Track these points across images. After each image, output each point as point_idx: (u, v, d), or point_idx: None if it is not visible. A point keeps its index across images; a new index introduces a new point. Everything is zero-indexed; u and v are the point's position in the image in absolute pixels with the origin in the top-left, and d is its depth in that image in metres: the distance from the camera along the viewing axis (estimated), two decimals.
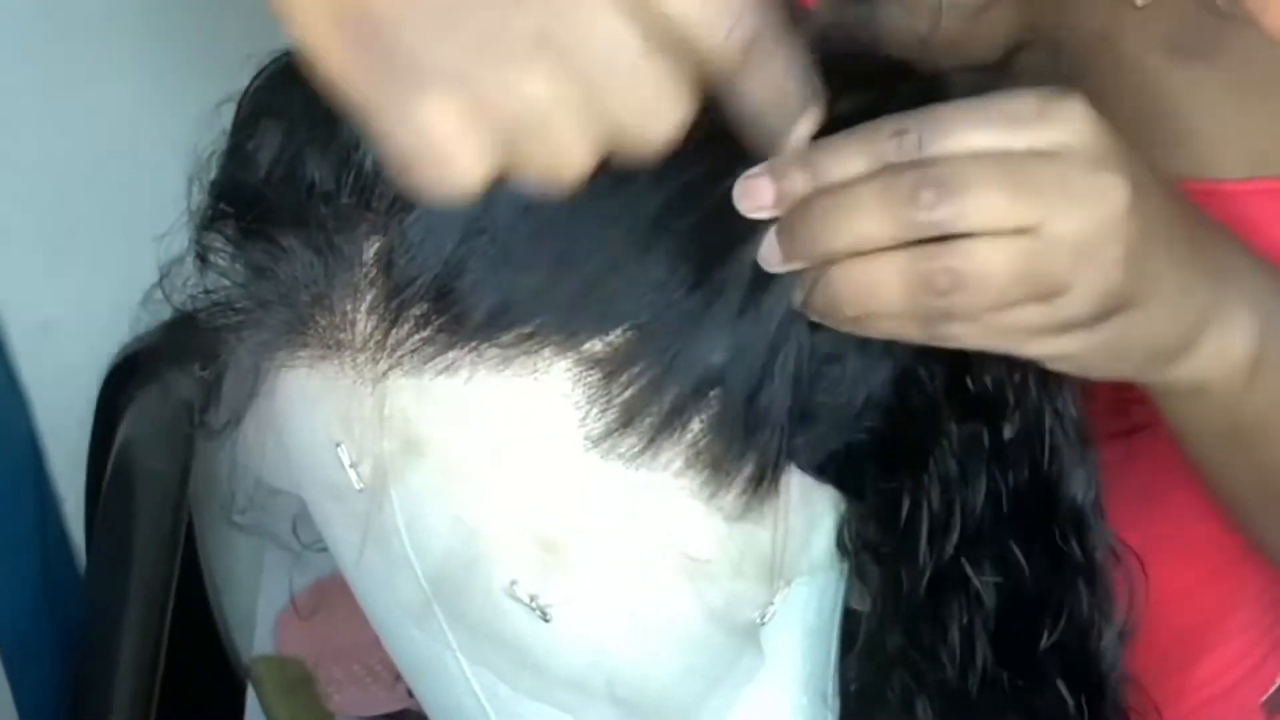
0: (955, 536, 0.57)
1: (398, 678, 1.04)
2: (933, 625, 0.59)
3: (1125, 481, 0.71)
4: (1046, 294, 0.50)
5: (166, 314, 0.61)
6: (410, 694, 0.91)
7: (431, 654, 0.58)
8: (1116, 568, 0.63)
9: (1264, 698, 0.79)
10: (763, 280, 0.52)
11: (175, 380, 0.61)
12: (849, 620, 0.61)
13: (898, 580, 0.58)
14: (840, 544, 0.58)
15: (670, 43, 0.43)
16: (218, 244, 0.58)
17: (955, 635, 0.59)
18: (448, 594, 0.56)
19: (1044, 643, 0.60)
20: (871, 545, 0.58)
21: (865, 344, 0.54)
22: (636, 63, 0.43)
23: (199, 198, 0.59)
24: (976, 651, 0.60)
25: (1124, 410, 0.70)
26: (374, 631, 1.23)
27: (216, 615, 1.41)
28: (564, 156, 0.45)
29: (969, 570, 0.58)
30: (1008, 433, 0.57)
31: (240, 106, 0.59)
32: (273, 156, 0.56)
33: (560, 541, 0.54)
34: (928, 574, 0.58)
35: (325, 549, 0.64)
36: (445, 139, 0.43)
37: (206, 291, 0.58)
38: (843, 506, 0.58)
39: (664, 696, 0.57)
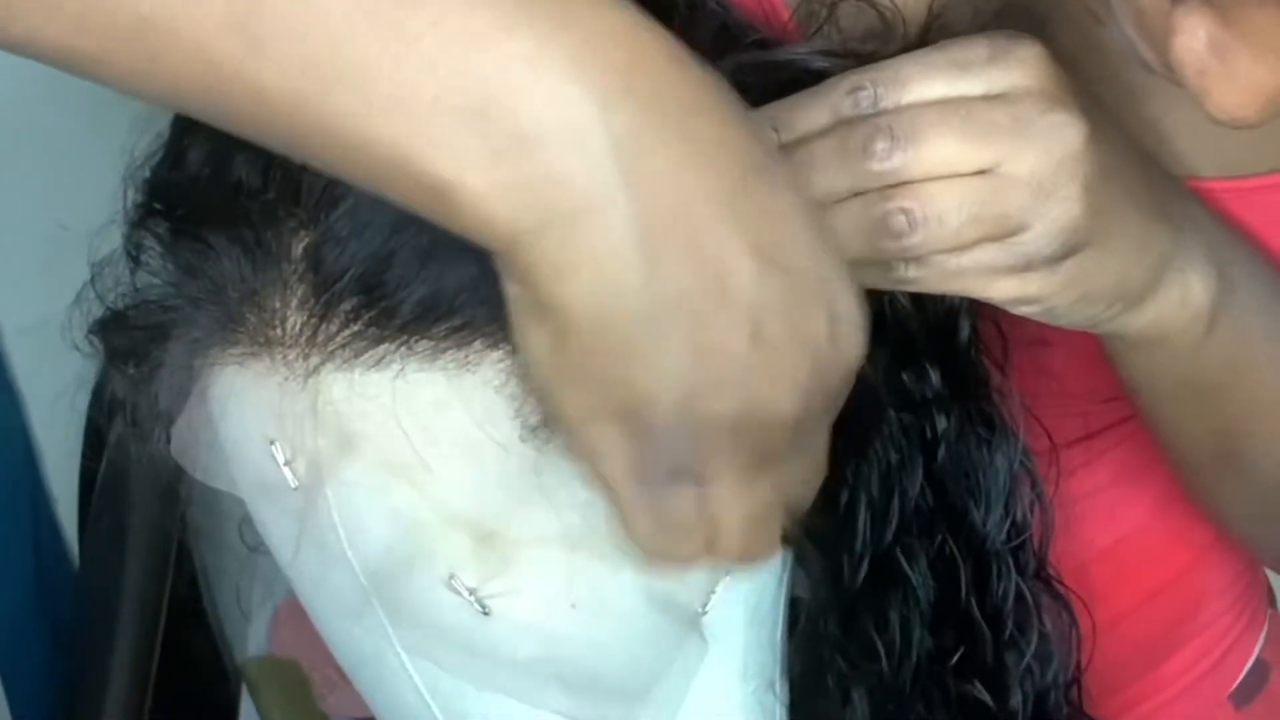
0: (894, 525, 0.58)
1: None
2: (871, 616, 0.60)
3: (1090, 484, 0.71)
4: (1004, 233, 0.50)
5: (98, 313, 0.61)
6: None
7: (373, 650, 0.58)
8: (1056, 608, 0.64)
9: (1231, 689, 0.79)
10: None
11: (110, 380, 0.61)
12: (795, 608, 0.60)
13: (838, 568, 0.59)
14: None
15: None
16: (148, 242, 0.58)
17: (894, 626, 0.60)
18: (386, 589, 0.55)
19: (953, 659, 0.60)
20: (812, 532, 0.58)
21: None
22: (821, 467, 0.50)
23: (132, 196, 0.59)
24: (912, 646, 0.60)
25: (1083, 413, 0.70)
26: None
27: (210, 616, 1.41)
28: (761, 546, 0.49)
29: (904, 563, 0.59)
30: (942, 425, 0.57)
31: None
32: (203, 155, 0.56)
33: (498, 533, 0.54)
34: (866, 562, 0.58)
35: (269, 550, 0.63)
36: (680, 526, 0.46)
37: (137, 290, 0.59)
38: None
39: (611, 684, 0.56)
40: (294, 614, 1.28)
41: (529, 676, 0.56)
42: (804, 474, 0.48)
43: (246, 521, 0.64)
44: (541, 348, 0.44)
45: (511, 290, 0.44)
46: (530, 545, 0.54)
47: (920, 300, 0.58)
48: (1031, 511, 0.62)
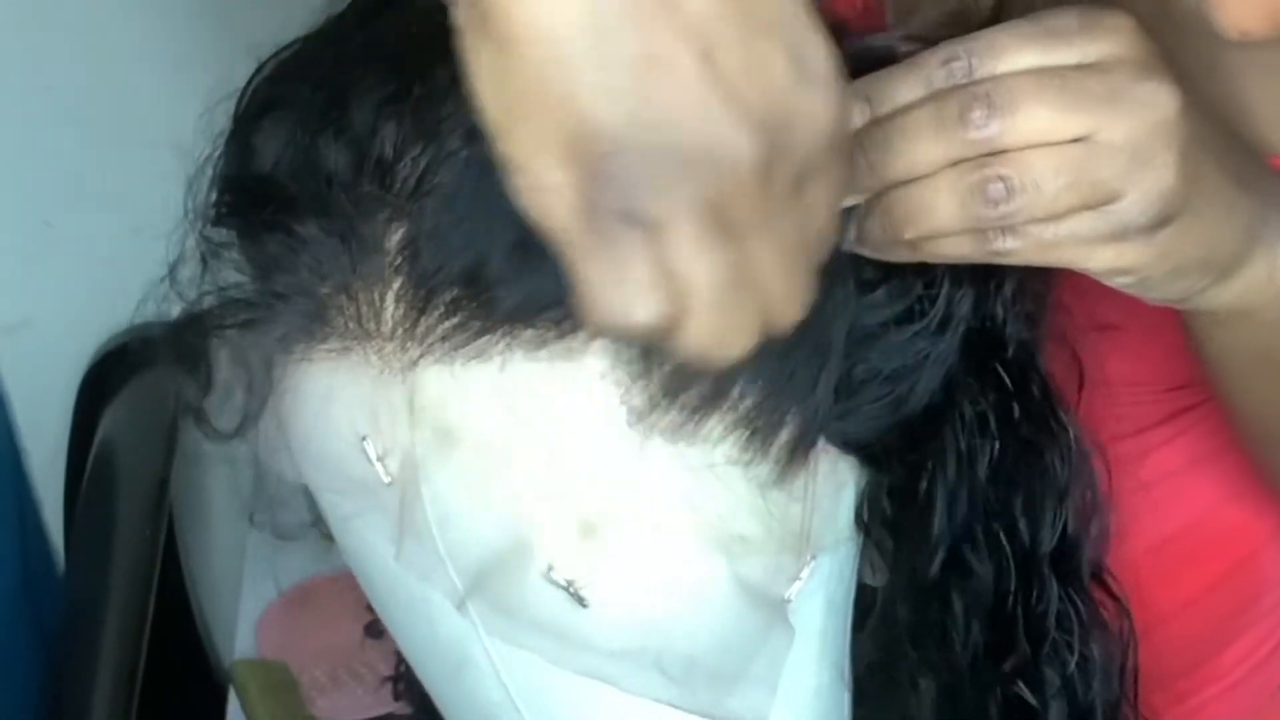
0: (963, 512, 0.58)
1: (382, 681, 1.03)
2: (940, 604, 0.60)
3: (1156, 471, 0.72)
4: (1100, 201, 0.50)
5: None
6: (395, 698, 0.90)
7: (460, 650, 0.57)
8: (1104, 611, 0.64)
9: None
10: None
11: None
12: (860, 597, 0.61)
13: (912, 555, 0.59)
14: (858, 517, 0.59)
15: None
16: (227, 239, 0.58)
17: (960, 616, 0.60)
18: (482, 584, 0.55)
19: (1004, 663, 0.61)
20: (889, 519, 0.59)
21: (904, 318, 0.55)
22: (804, 264, 0.47)
23: (202, 195, 0.58)
24: (972, 632, 0.61)
25: (1151, 401, 0.71)
26: (358, 634, 1.22)
27: (197, 617, 1.40)
28: (734, 334, 0.46)
29: (968, 554, 0.59)
30: (1016, 413, 0.59)
31: (244, 99, 0.58)
32: (285, 147, 0.55)
33: (599, 523, 0.54)
34: (943, 550, 0.59)
35: None
36: (637, 278, 0.44)
37: (220, 289, 0.57)
38: (862, 479, 0.58)
39: (706, 672, 0.56)
40: (282, 616, 1.28)
41: (627, 664, 0.56)
42: (784, 257, 0.46)
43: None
44: (488, 73, 0.43)
45: (460, 15, 0.43)
46: (628, 534, 0.54)
47: (983, 301, 0.58)
48: (1088, 527, 0.63)
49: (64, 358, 1.28)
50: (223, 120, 0.58)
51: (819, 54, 0.45)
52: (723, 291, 0.45)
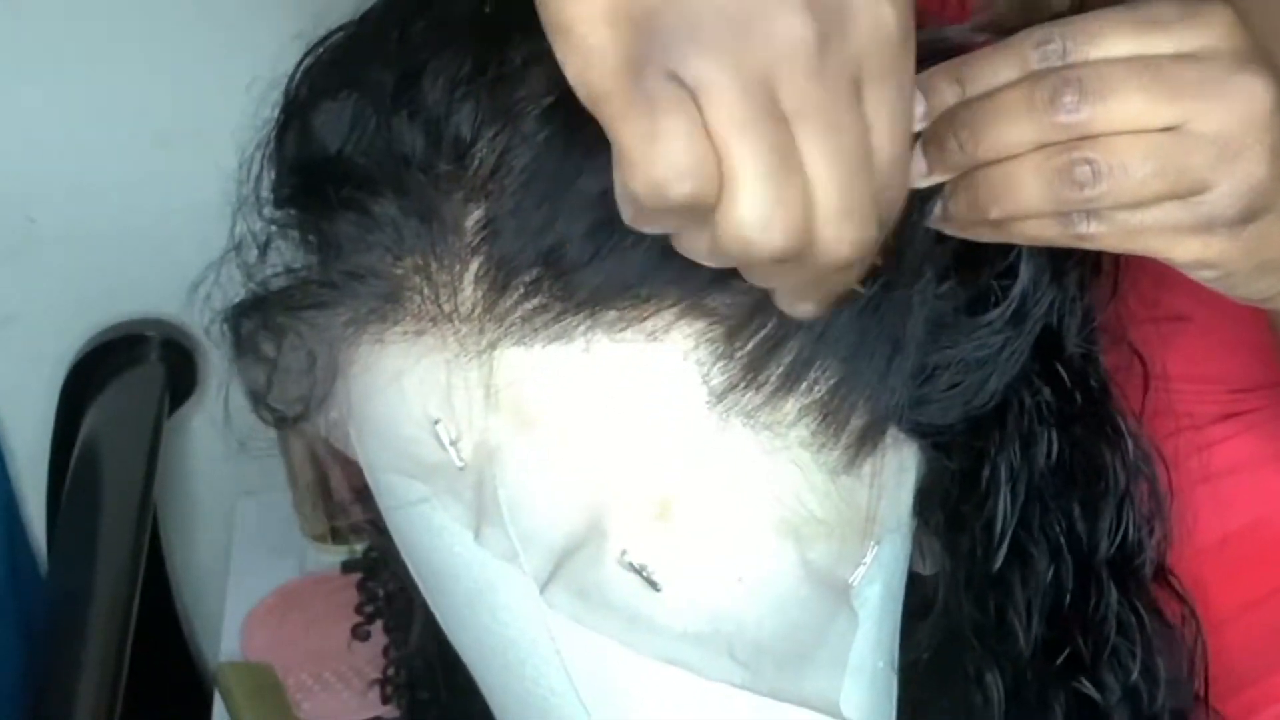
0: (1022, 500, 0.59)
1: (369, 684, 1.02)
2: (1002, 594, 0.60)
3: (1215, 467, 0.72)
4: (1188, 190, 0.50)
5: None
6: (383, 701, 0.89)
7: (524, 640, 0.57)
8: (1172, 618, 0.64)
9: None
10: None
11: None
12: (912, 587, 0.61)
13: (972, 543, 0.59)
14: (915, 504, 0.59)
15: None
16: (291, 221, 0.57)
17: (1022, 604, 0.60)
18: (554, 568, 0.55)
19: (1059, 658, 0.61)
20: (949, 505, 0.59)
21: (979, 308, 0.55)
22: (861, 184, 0.46)
23: (253, 180, 0.58)
24: (1032, 625, 0.61)
25: (1215, 400, 0.71)
26: (345, 636, 1.21)
27: (182, 619, 1.39)
28: (775, 225, 0.45)
29: (1028, 544, 0.59)
30: (1079, 399, 0.59)
31: (298, 82, 0.58)
32: (353, 129, 0.55)
33: (673, 505, 0.54)
34: (1008, 537, 0.59)
35: None
36: (676, 142, 0.43)
37: (289, 270, 0.57)
38: (923, 466, 0.58)
39: (775, 656, 0.56)
40: (267, 618, 1.27)
41: (698, 648, 0.55)
42: (837, 163, 0.45)
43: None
44: None
45: None
46: (702, 517, 0.54)
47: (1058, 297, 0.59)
48: (1150, 532, 0.63)
49: (47, 355, 1.28)
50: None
51: None
52: (765, 172, 0.44)
